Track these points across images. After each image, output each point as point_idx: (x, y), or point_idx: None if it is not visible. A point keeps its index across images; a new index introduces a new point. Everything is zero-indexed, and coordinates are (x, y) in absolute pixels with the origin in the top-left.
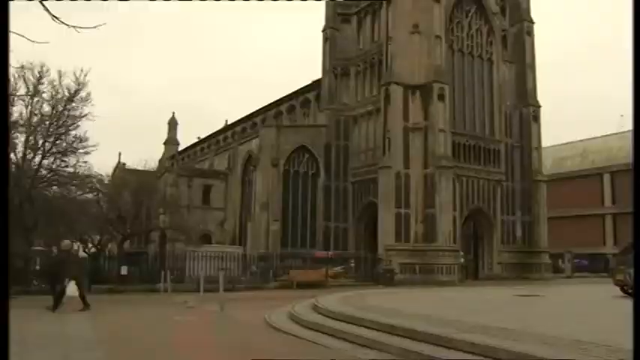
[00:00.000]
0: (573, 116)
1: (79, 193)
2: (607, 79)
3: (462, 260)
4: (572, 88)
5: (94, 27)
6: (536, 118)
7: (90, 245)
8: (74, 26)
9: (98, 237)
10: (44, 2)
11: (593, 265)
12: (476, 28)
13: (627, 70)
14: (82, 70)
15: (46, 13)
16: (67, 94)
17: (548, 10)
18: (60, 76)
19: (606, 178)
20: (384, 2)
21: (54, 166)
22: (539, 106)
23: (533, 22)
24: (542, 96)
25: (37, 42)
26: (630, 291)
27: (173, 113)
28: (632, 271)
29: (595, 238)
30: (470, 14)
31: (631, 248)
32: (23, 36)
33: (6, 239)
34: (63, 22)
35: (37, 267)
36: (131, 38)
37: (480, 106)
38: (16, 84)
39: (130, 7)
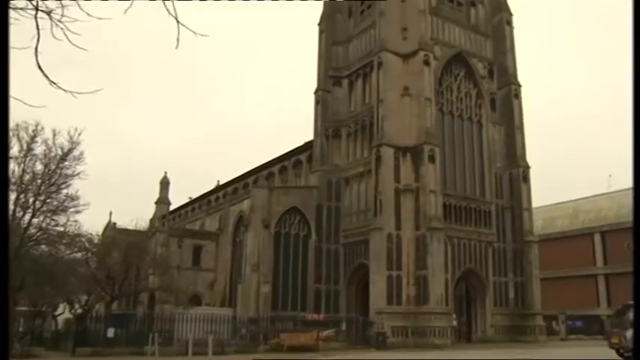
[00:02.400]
0: (562, 176)
1: (67, 252)
2: (594, 139)
3: (455, 323)
4: (561, 149)
5: (92, 92)
6: (526, 179)
7: (76, 306)
8: (71, 91)
9: (85, 297)
10: (39, 56)
11: (588, 327)
12: (465, 91)
13: (614, 130)
14: (76, 129)
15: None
16: (60, 152)
17: (536, 72)
18: (54, 135)
19: (597, 238)
20: (375, 65)
21: (43, 225)
22: (529, 167)
23: (520, 86)
24: (531, 156)
25: (35, 106)
26: (627, 354)
27: (165, 173)
28: (627, 333)
29: (589, 299)
30: (459, 77)
31: (625, 310)
32: (20, 100)
33: (6, 240)
34: (60, 88)
35: (21, 328)
36: (123, 97)
37: (471, 168)
38: (9, 142)
39: (123, 66)
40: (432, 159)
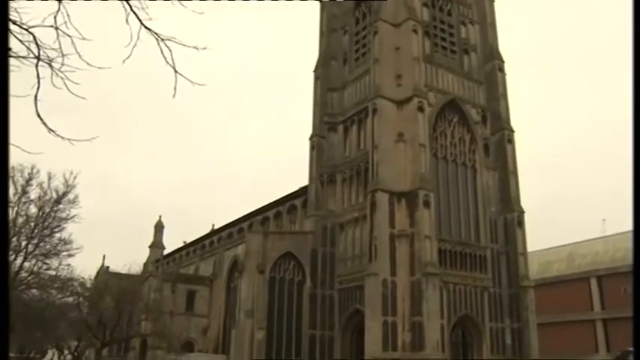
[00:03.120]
0: (557, 220)
1: (59, 296)
2: (588, 183)
3: None
4: (555, 192)
5: (89, 139)
6: (521, 223)
7: (66, 352)
8: (69, 139)
9: (75, 343)
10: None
11: None
12: (459, 137)
13: (607, 174)
14: (71, 173)
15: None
16: (55, 195)
17: (529, 116)
18: (49, 178)
19: (593, 282)
20: (370, 111)
21: (35, 269)
22: (523, 212)
23: (513, 131)
24: (525, 200)
25: (33, 153)
26: None
27: (160, 217)
28: None
29: (587, 345)
30: (453, 123)
31: (625, 356)
32: (19, 147)
33: (6, 241)
34: (58, 135)
35: None
36: (120, 141)
37: (465, 213)
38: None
39: (120, 110)
40: (426, 204)
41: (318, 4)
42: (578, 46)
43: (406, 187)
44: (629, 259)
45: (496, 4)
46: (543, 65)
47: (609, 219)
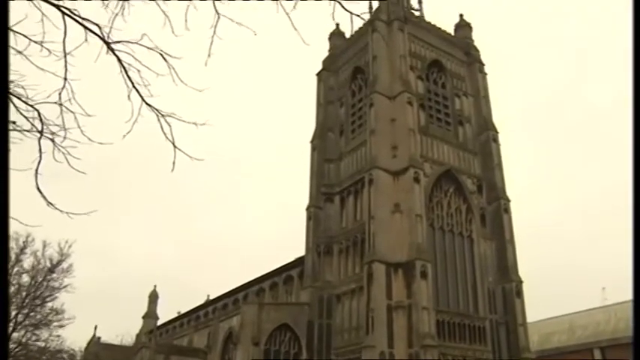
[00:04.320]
0: (556, 289)
1: None
2: (586, 252)
3: None
4: (553, 261)
5: (86, 213)
6: (519, 293)
7: None
8: (67, 212)
9: None
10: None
11: None
12: (455, 207)
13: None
14: (66, 241)
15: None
16: (48, 264)
17: (526, 185)
18: (44, 247)
19: (597, 353)
20: (366, 182)
21: (24, 340)
22: (522, 282)
23: (509, 200)
24: (523, 269)
25: (31, 225)
26: None
27: (154, 286)
28: None
29: None
30: (449, 194)
31: None
32: (17, 219)
33: (6, 242)
34: (57, 208)
35: None
36: (115, 210)
37: (463, 283)
38: (8, 256)
39: (117, 181)
40: (424, 275)
41: (314, 77)
42: (573, 113)
43: (403, 257)
44: (631, 329)
45: (489, 77)
46: (538, 134)
47: (609, 287)
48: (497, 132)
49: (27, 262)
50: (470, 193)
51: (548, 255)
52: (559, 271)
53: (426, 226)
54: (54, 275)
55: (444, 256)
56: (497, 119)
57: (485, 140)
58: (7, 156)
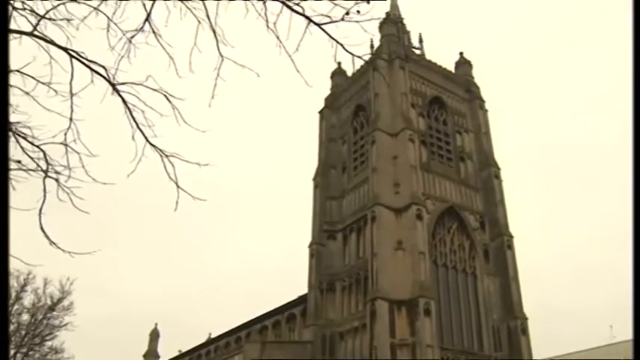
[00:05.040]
0: (562, 327)
1: None
2: (592, 288)
3: None
4: (559, 298)
5: (89, 253)
6: (525, 330)
7: None
8: (70, 252)
9: None
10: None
11: None
12: (458, 243)
13: (612, 278)
14: (68, 279)
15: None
16: (49, 302)
17: (530, 222)
18: (45, 284)
19: None
20: (369, 219)
21: None
22: (527, 319)
23: (512, 237)
24: (528, 306)
25: (32, 265)
26: None
27: (156, 324)
28: None
29: None
30: (452, 230)
31: None
32: (19, 259)
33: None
34: (60, 248)
35: None
36: (117, 248)
37: (467, 320)
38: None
39: (120, 219)
40: (427, 312)
41: (316, 114)
42: (575, 149)
43: (406, 295)
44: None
45: (490, 113)
46: (540, 170)
47: (616, 325)
48: (499, 168)
49: (27, 299)
50: (473, 230)
51: (554, 291)
52: (565, 308)
53: (429, 263)
54: (54, 313)
55: (448, 293)
56: (498, 155)
57: (487, 176)
58: (7, 196)
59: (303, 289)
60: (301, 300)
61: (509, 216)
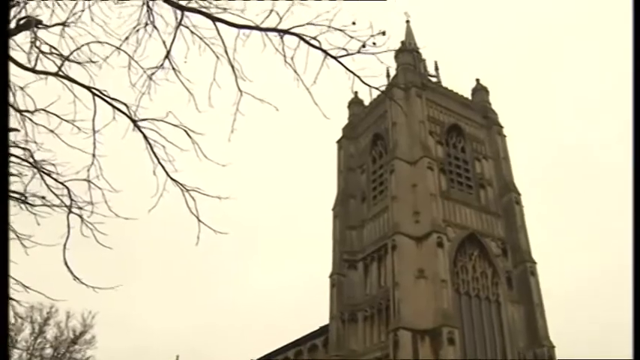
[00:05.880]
0: (590, 353)
1: None
2: (619, 312)
3: None
4: (585, 324)
5: (112, 287)
6: (552, 358)
7: None
8: (93, 287)
9: None
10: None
11: None
12: (480, 271)
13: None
14: (90, 312)
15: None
16: (71, 335)
17: (554, 247)
18: (67, 317)
19: None
20: (390, 248)
21: None
22: (554, 347)
23: (535, 263)
24: (555, 334)
25: (56, 299)
26: None
27: (177, 357)
28: None
29: None
30: (473, 257)
31: None
32: (42, 294)
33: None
34: (83, 283)
35: None
36: (137, 281)
37: (492, 348)
38: (22, 324)
39: (141, 253)
40: (451, 341)
41: (334, 144)
42: (596, 171)
43: (429, 324)
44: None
45: (508, 139)
46: (561, 194)
47: None
48: (519, 194)
49: (50, 333)
50: (495, 257)
51: (580, 317)
52: (592, 334)
53: (452, 292)
54: (76, 347)
55: (471, 322)
56: (518, 181)
57: (507, 202)
58: (6, 228)
59: (324, 320)
60: (323, 330)
61: (531, 241)
